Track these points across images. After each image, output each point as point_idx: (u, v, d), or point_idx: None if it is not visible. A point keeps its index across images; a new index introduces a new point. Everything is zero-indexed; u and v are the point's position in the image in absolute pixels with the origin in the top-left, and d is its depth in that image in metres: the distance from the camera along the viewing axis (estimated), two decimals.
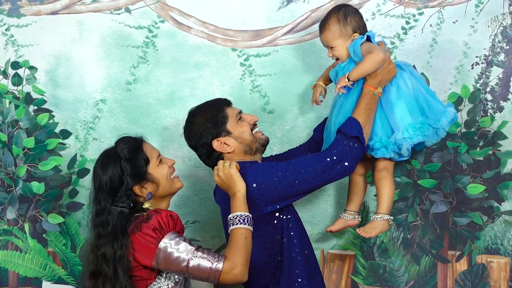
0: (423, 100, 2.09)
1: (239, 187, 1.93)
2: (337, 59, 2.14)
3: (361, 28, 2.12)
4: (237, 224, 1.87)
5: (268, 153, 2.41)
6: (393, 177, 2.19)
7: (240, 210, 1.90)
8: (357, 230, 2.18)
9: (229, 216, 1.91)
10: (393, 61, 2.10)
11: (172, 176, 1.99)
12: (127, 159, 1.90)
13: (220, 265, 1.78)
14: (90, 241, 1.90)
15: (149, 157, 1.94)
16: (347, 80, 2.04)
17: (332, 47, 2.13)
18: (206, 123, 2.09)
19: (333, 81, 2.19)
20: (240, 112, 2.14)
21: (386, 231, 2.24)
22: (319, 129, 2.32)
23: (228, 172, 1.96)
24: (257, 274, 2.03)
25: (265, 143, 2.16)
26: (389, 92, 2.09)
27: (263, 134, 2.17)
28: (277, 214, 2.03)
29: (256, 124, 2.17)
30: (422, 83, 2.15)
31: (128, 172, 1.89)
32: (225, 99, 2.17)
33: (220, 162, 2.02)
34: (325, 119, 2.29)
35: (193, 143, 2.14)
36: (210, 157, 2.12)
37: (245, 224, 1.87)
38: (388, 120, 2.08)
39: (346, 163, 1.95)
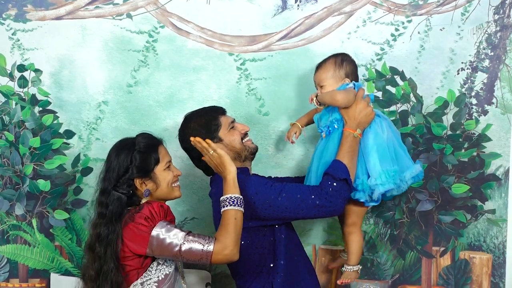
0: (393, 151, 2.16)
1: (229, 170, 2.03)
2: (320, 104, 2.22)
3: (353, 76, 2.23)
4: (227, 206, 1.97)
5: (263, 153, 2.51)
6: (361, 229, 2.30)
7: (230, 192, 2.00)
8: (338, 281, 2.34)
9: (221, 198, 2.00)
10: (371, 105, 2.18)
11: (174, 185, 2.11)
12: (140, 151, 2.04)
13: (211, 247, 1.88)
14: (93, 216, 2.04)
15: (160, 159, 2.07)
16: (315, 97, 2.19)
17: (322, 86, 2.22)
18: (200, 128, 2.19)
19: (316, 125, 2.28)
20: (233, 121, 2.23)
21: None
22: None
23: (219, 153, 2.06)
24: (250, 279, 2.14)
25: (253, 151, 2.25)
26: (367, 138, 2.17)
27: (252, 143, 2.26)
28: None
29: (247, 133, 2.26)
30: (396, 136, 2.23)
31: (136, 163, 2.02)
32: (221, 108, 2.26)
33: (211, 145, 2.09)
34: None
35: (186, 145, 2.24)
36: (201, 161, 2.21)
37: (235, 205, 1.97)
38: (366, 164, 2.16)
39: (335, 204, 2.03)
